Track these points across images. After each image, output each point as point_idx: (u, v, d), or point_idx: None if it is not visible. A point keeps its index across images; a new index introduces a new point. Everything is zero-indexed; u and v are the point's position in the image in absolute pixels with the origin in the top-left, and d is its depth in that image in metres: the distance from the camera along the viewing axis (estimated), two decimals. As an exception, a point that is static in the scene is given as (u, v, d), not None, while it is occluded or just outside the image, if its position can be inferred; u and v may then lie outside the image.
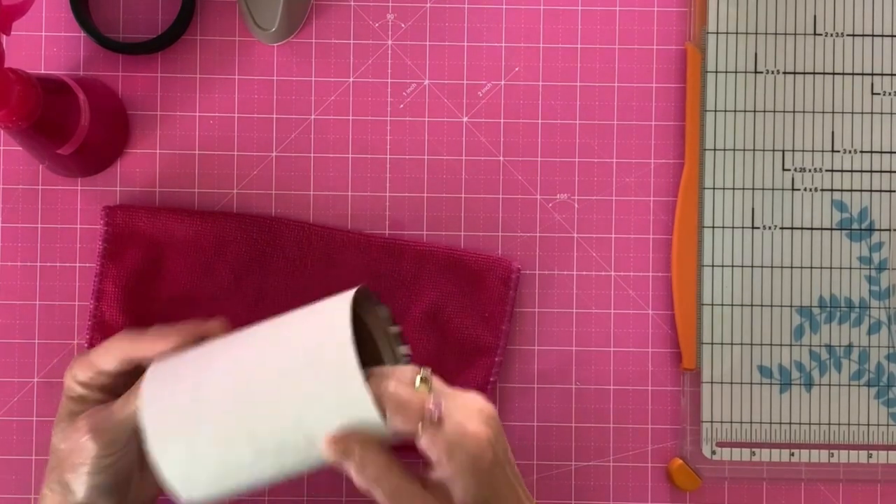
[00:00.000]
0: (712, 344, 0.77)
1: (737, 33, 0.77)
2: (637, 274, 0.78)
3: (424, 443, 0.58)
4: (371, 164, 0.78)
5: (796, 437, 0.77)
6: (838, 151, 0.77)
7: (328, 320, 0.60)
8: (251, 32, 0.77)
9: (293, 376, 0.59)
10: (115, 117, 0.76)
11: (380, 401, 0.58)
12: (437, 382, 0.61)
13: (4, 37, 0.63)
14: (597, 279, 0.78)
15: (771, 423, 0.77)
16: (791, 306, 0.77)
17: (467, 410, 0.60)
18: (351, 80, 0.78)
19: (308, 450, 0.59)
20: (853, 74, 0.78)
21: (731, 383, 0.77)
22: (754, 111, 0.77)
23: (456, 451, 0.58)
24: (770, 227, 0.77)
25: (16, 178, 0.77)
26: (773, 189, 0.77)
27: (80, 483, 0.63)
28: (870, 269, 0.77)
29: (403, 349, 0.66)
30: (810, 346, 0.77)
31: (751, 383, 0.77)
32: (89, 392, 0.65)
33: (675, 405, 0.78)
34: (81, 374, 0.65)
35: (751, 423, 0.77)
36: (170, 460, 0.60)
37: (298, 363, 0.59)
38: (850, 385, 0.77)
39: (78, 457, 0.63)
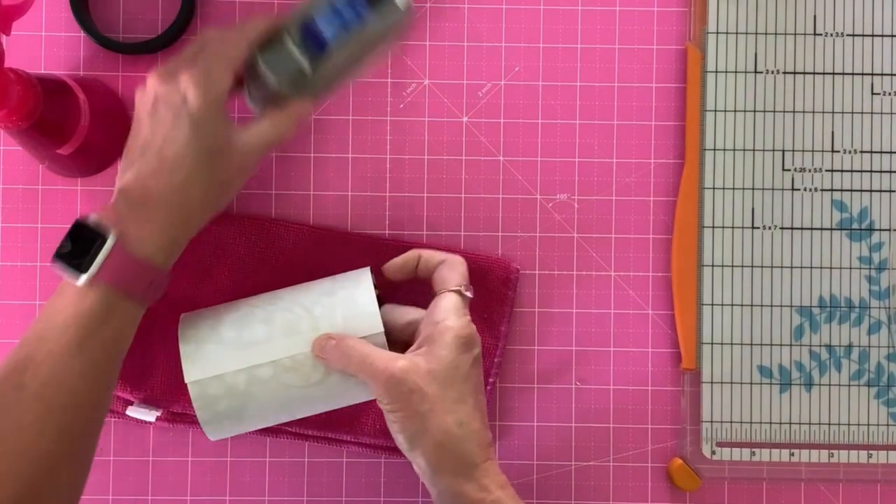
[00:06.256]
0: (712, 344, 0.77)
1: (737, 33, 0.77)
2: (637, 274, 0.78)
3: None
4: (371, 164, 0.78)
5: (796, 437, 0.77)
6: (838, 151, 0.77)
7: (351, 274, 0.71)
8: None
9: (316, 286, 0.70)
10: (115, 117, 0.76)
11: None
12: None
13: (4, 37, 0.63)
14: (597, 279, 0.78)
15: (771, 423, 0.77)
16: (791, 306, 0.77)
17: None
18: (351, 80, 0.78)
19: (312, 333, 0.67)
20: (853, 74, 0.78)
21: (731, 383, 0.77)
22: (754, 111, 0.77)
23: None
24: (770, 227, 0.77)
25: (16, 178, 0.77)
26: (773, 189, 0.77)
27: None
28: (870, 269, 0.77)
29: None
30: (810, 346, 0.77)
31: (751, 383, 0.77)
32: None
33: (675, 405, 0.78)
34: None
35: (751, 423, 0.77)
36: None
37: (322, 285, 0.70)
38: (850, 385, 0.77)
39: None
